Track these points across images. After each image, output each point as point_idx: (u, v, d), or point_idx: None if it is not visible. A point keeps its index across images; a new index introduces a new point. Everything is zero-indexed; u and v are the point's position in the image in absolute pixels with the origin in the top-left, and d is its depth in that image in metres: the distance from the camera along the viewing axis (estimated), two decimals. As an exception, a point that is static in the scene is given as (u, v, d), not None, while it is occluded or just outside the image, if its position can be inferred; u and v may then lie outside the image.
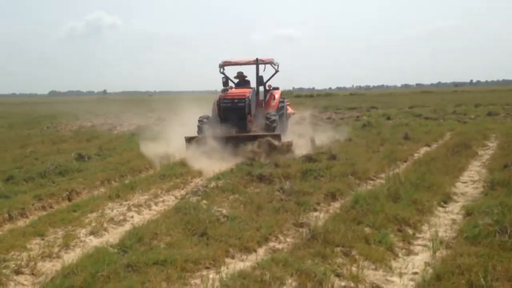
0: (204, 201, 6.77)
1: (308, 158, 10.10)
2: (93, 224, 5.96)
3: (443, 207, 6.86)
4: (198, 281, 4.24)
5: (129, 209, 6.75)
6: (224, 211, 6.06)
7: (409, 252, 5.05)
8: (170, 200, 7.52)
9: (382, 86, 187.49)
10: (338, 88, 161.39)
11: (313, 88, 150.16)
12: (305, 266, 4.34)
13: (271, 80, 13.31)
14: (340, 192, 7.45)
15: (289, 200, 6.86)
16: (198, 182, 8.19)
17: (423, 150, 12.23)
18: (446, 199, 7.11)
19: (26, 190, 7.79)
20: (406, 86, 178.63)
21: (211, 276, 4.32)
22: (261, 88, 13.24)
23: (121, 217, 6.38)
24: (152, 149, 11.10)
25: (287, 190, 7.29)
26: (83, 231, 5.73)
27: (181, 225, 5.58)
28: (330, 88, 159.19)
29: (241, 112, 11.54)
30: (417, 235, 5.59)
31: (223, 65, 12.94)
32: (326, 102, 40.81)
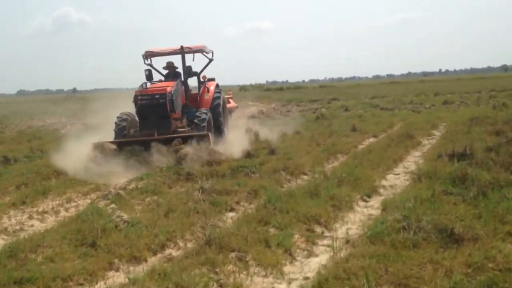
0: (113, 205, 6.32)
1: (246, 154, 9.75)
2: (-20, 236, 5.45)
3: (365, 201, 6.59)
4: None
5: (30, 217, 6.27)
6: (125, 217, 5.62)
7: (310, 254, 4.72)
8: (84, 204, 7.04)
9: (354, 77, 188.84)
10: (311, 81, 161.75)
11: (287, 81, 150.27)
12: (186, 278, 3.96)
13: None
14: (265, 189, 7.09)
15: (207, 200, 6.47)
16: (117, 185, 7.70)
17: (368, 141, 12.02)
18: (371, 193, 6.85)
19: None
20: (377, 77, 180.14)
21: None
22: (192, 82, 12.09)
23: (18, 227, 5.90)
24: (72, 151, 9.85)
25: (208, 189, 6.90)
26: (-34, 243, 5.22)
27: (72, 234, 5.13)
28: (303, 81, 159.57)
29: (162, 110, 9.94)
30: (326, 234, 5.27)
31: (146, 55, 11.63)
32: (293, 95, 40.63)
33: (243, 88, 67.45)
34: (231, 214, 6.12)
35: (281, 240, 4.83)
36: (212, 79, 12.24)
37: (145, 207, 6.45)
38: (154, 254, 4.81)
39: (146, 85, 10.48)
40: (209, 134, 9.78)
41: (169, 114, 10.06)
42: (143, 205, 6.59)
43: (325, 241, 5.02)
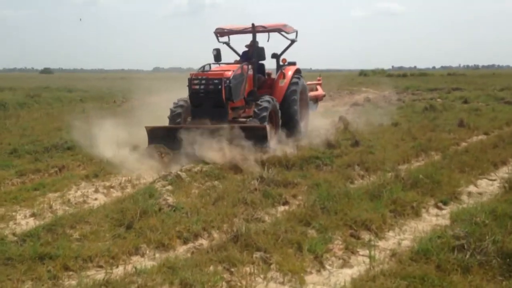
0: (169, 187, 6.36)
1: (326, 144, 9.25)
2: (43, 205, 5.79)
3: (439, 209, 5.81)
4: (73, 282, 3.83)
5: (96, 191, 6.53)
6: (170, 200, 5.59)
7: (343, 264, 4.23)
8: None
9: (493, 66, 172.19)
10: (442, 67, 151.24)
11: (415, 67, 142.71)
12: (195, 275, 3.76)
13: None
14: (329, 184, 6.62)
15: (262, 190, 6.19)
16: (183, 166, 7.71)
17: (475, 139, 10.71)
18: (449, 200, 6.02)
19: (20, 164, 7.93)
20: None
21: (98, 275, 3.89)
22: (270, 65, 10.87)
23: (81, 199, 6.16)
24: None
25: (267, 179, 6.62)
26: (27, 212, 5.58)
27: (116, 213, 5.21)
28: (433, 68, 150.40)
29: (217, 97, 8.74)
30: (374, 242, 4.70)
31: (217, 33, 10.62)
32: (413, 82, 38.15)
33: (362, 73, 65.20)
34: (282, 208, 5.79)
35: (314, 244, 4.39)
36: (293, 63, 10.84)
37: (202, 191, 6.37)
38: (185, 243, 4.69)
39: (204, 68, 9.51)
40: (266, 127, 8.47)
41: (226, 102, 8.86)
42: (200, 189, 6.52)
43: (368, 251, 4.47)
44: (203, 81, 8.91)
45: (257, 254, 4.26)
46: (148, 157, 8.02)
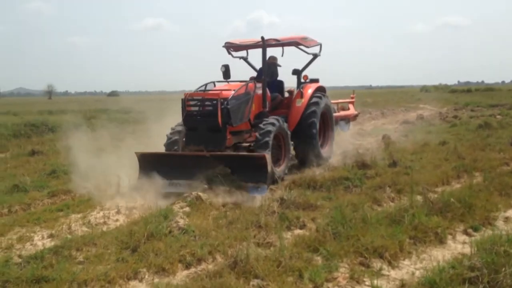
0: (186, 209, 6.31)
1: (360, 164, 8.90)
2: (63, 226, 5.90)
3: (468, 235, 5.35)
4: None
5: (118, 212, 6.59)
6: (181, 223, 5.51)
7: (344, 296, 3.95)
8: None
9: None
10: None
11: (482, 82, 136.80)
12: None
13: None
14: (353, 207, 6.30)
15: (280, 213, 5.99)
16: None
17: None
18: (480, 226, 5.55)
19: (55, 184, 8.22)
20: None
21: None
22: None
23: (102, 220, 6.23)
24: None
25: (287, 200, 6.42)
26: (45, 232, 5.71)
27: (124, 236, 5.20)
28: (503, 82, 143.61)
29: (212, 121, 7.73)
30: (385, 272, 4.37)
31: (226, 47, 9.83)
32: (476, 98, 36.39)
33: (424, 88, 63.20)
34: (298, 232, 5.56)
35: (316, 273, 4.14)
36: (315, 80, 9.99)
37: (219, 214, 6.27)
38: (187, 267, 4.57)
39: (206, 86, 8.62)
40: (266, 156, 7.20)
41: (223, 126, 7.80)
42: (220, 211, 6.42)
43: (377, 281, 4.15)
44: (198, 102, 7.97)
45: (254, 282, 4.09)
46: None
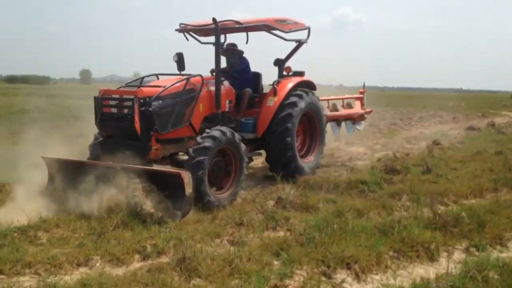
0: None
1: (389, 168, 8.24)
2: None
3: (471, 255, 4.67)
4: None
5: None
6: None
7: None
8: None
9: None
10: None
11: None
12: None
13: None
14: (359, 213, 5.80)
15: (269, 212, 5.61)
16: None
17: None
18: (485, 246, 4.83)
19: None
20: None
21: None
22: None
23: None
24: None
25: (285, 200, 6.03)
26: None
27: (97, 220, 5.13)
28: None
29: (128, 127, 6.05)
30: (346, 285, 3.91)
31: (180, 30, 7.83)
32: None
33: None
34: (281, 234, 5.17)
35: (265, 278, 3.78)
36: (300, 73, 8.21)
37: (211, 209, 6.03)
38: (144, 259, 4.37)
39: (143, 81, 7.16)
40: (182, 174, 5.36)
41: (144, 133, 6.01)
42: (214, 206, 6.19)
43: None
44: (115, 102, 6.30)
45: (195, 281, 3.81)
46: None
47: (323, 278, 3.96)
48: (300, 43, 8.15)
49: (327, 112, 9.36)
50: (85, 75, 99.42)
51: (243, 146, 6.55)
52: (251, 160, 7.93)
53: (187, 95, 6.51)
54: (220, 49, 7.25)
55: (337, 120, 9.79)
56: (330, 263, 4.13)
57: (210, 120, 6.90)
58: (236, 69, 7.71)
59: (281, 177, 7.06)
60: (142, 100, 6.01)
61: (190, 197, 5.41)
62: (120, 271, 4.08)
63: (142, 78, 7.22)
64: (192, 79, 6.63)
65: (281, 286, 3.79)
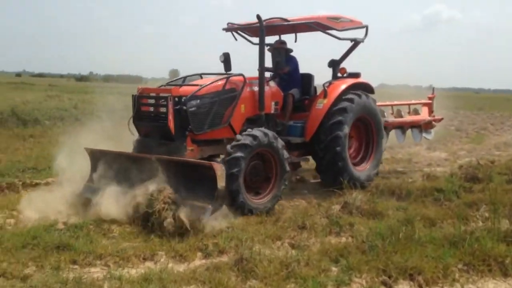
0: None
1: (470, 176, 7.77)
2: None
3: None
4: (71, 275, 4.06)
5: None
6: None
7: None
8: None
9: None
10: None
11: None
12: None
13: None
14: (431, 222, 5.55)
15: (333, 217, 5.53)
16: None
17: None
18: None
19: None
20: None
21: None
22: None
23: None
24: None
25: (351, 205, 5.90)
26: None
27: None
28: None
29: (162, 126, 5.94)
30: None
31: (227, 29, 7.59)
32: None
33: None
34: (344, 240, 5.05)
35: (321, 284, 3.73)
36: (356, 75, 7.59)
37: (276, 210, 6.06)
38: (206, 257, 4.48)
39: (185, 80, 6.99)
40: (214, 166, 5.17)
41: (177, 133, 5.91)
42: (281, 207, 6.22)
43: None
44: (150, 100, 6.19)
45: (251, 282, 3.85)
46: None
47: (382, 287, 3.84)
48: (356, 43, 7.54)
49: (389, 117, 8.83)
50: (174, 75, 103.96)
51: (285, 153, 6.18)
52: (299, 165, 7.71)
53: (227, 95, 6.30)
54: (268, 47, 7.21)
55: (402, 127, 9.05)
56: (392, 272, 3.99)
57: (253, 122, 6.58)
58: (281, 69, 7.20)
59: (326, 179, 7.02)
60: (177, 99, 5.89)
61: (222, 192, 5.20)
62: (181, 267, 4.23)
63: (185, 77, 7.05)
64: (233, 79, 6.47)
65: (337, 293, 3.72)
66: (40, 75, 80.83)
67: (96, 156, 6.25)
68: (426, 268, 4.02)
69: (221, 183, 5.13)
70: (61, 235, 4.74)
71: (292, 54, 7.55)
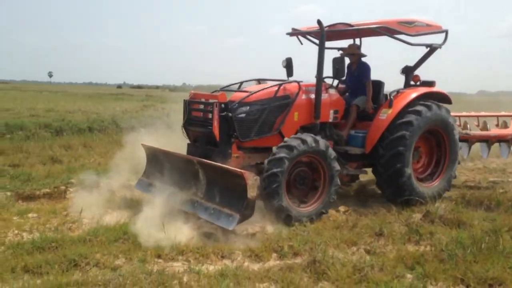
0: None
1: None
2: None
3: None
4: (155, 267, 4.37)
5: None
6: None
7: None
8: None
9: None
10: None
11: None
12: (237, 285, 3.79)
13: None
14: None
15: (413, 225, 5.40)
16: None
17: None
18: None
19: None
20: None
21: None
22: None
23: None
24: None
25: (434, 214, 5.69)
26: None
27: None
28: None
29: (208, 132, 5.90)
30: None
31: (291, 34, 7.32)
32: None
33: None
34: (422, 248, 4.93)
35: (392, 289, 3.71)
36: (430, 83, 7.08)
37: (352, 215, 6.04)
38: (280, 258, 4.60)
39: (241, 85, 6.89)
40: (244, 174, 4.98)
41: (223, 139, 5.84)
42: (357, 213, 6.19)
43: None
44: (200, 106, 6.19)
45: (322, 284, 3.92)
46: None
47: (456, 298, 3.73)
48: (432, 49, 6.98)
49: (473, 130, 8.29)
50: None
51: (333, 157, 5.92)
52: (356, 178, 7.33)
53: (278, 102, 6.14)
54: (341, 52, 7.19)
55: (487, 141, 8.28)
56: (470, 282, 3.86)
57: (308, 131, 6.22)
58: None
59: (387, 195, 6.60)
60: (223, 105, 5.82)
61: (253, 201, 5.01)
62: (256, 266, 4.39)
63: (241, 82, 6.91)
64: (286, 85, 6.31)
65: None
66: (139, 87, 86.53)
67: (151, 153, 6.60)
68: (508, 280, 3.84)
69: (251, 193, 4.98)
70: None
71: (365, 60, 7.12)
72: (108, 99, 33.12)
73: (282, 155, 5.56)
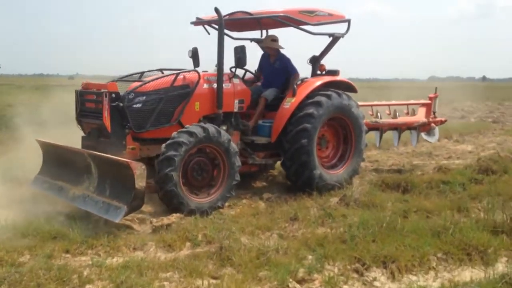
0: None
1: (484, 169, 7.58)
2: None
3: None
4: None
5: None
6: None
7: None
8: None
9: None
10: None
11: None
12: (135, 278, 3.81)
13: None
14: (428, 213, 5.51)
15: (328, 209, 5.59)
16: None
17: None
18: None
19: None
20: None
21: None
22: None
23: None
24: None
25: (349, 198, 5.91)
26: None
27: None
28: None
29: (99, 123, 5.74)
30: (376, 283, 3.81)
31: (194, 23, 7.10)
32: None
33: None
34: (336, 230, 5.08)
35: (291, 271, 3.83)
36: (333, 72, 7.13)
37: (272, 203, 6.17)
38: (194, 247, 4.63)
39: (142, 76, 6.62)
40: (131, 164, 4.89)
41: (114, 131, 5.64)
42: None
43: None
44: (91, 96, 5.99)
45: (226, 270, 4.00)
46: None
47: (355, 275, 3.90)
48: (334, 38, 7.01)
49: (381, 119, 8.40)
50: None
51: (233, 147, 5.88)
52: (270, 167, 7.51)
53: (176, 92, 6.01)
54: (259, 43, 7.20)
55: (397, 129, 8.50)
56: (366, 261, 4.03)
57: (211, 121, 6.17)
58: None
59: (297, 187, 6.58)
60: (114, 95, 5.61)
61: (141, 192, 4.90)
62: (167, 256, 4.42)
63: (143, 72, 6.63)
64: (186, 75, 6.20)
65: (308, 280, 3.80)
66: (94, 78, 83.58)
67: (46, 149, 6.39)
68: (401, 256, 4.04)
69: (139, 183, 4.85)
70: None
71: (283, 51, 7.10)
72: (56, 91, 31.82)
73: (181, 139, 5.45)
